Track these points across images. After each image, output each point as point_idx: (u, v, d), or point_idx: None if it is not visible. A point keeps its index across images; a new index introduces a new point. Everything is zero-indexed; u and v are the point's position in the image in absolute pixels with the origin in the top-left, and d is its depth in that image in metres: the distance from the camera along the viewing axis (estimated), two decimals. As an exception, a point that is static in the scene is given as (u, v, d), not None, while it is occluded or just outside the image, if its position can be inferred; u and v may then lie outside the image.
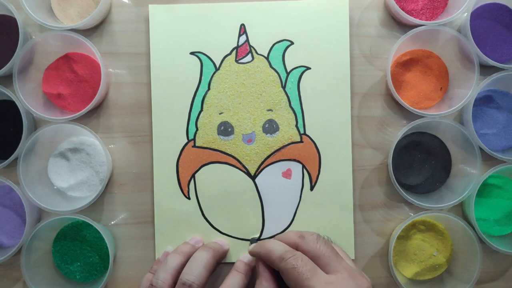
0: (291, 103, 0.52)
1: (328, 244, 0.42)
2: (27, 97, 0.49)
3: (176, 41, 0.52)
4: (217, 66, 0.52)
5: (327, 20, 0.52)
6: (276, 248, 0.42)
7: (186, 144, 0.52)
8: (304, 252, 0.41)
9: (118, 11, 0.53)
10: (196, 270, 0.42)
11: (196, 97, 0.52)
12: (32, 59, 0.52)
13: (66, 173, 0.52)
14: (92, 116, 0.53)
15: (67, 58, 0.52)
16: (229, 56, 0.52)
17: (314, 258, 0.41)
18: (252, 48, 0.52)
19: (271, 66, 0.52)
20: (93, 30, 0.53)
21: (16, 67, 0.48)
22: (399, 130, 0.51)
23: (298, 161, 0.51)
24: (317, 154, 0.52)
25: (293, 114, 0.52)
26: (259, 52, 0.52)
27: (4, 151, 0.51)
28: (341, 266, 0.40)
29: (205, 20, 0.52)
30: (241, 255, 0.49)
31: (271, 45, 0.52)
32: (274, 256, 0.41)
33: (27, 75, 0.51)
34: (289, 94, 0.52)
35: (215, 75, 0.52)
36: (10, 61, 0.48)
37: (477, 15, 0.52)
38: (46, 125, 0.49)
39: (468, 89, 0.49)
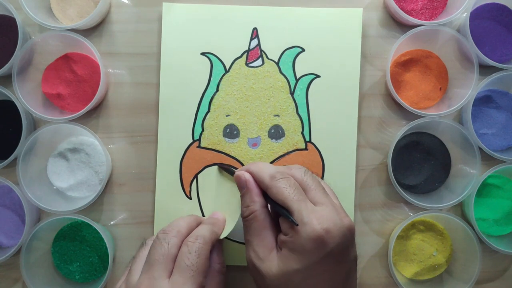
0: (298, 110, 0.52)
1: (314, 178, 0.41)
2: (27, 97, 0.49)
3: (187, 40, 0.52)
4: (227, 68, 0.52)
5: (340, 31, 0.52)
6: (268, 167, 0.42)
7: (191, 144, 0.52)
8: None
9: (117, 11, 0.53)
10: (174, 223, 0.42)
11: (204, 98, 0.52)
12: (31, 59, 0.52)
13: (65, 173, 0.52)
14: (92, 116, 0.53)
15: (66, 58, 0.52)
16: (239, 59, 0.52)
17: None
18: (263, 53, 0.52)
19: (280, 72, 0.52)
20: (93, 30, 0.53)
21: (15, 67, 0.48)
22: (398, 130, 0.51)
23: None
24: (321, 163, 0.51)
25: (299, 121, 0.52)
26: (269, 57, 0.52)
27: (3, 151, 0.51)
28: (327, 200, 0.39)
29: (218, 21, 0.52)
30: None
31: (282, 50, 0.52)
32: (266, 174, 0.41)
33: (26, 75, 0.51)
34: (297, 101, 0.52)
35: (224, 77, 0.52)
36: (10, 61, 0.48)
37: (477, 15, 0.52)
38: (45, 125, 0.49)
39: (467, 89, 0.49)
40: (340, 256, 0.38)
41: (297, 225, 0.37)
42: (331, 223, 0.37)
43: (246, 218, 0.41)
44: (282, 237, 0.39)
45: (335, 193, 0.43)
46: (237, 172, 0.43)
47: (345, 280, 0.39)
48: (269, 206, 0.42)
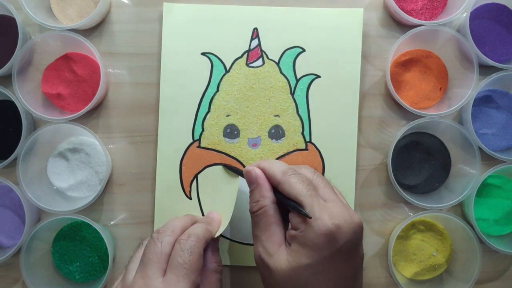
0: (299, 110, 0.52)
1: (323, 178, 0.42)
2: (27, 97, 0.49)
3: (188, 40, 0.52)
4: (227, 68, 0.52)
5: (341, 31, 0.52)
6: (280, 163, 0.42)
7: (191, 144, 0.52)
8: None
9: (117, 11, 0.53)
10: (169, 222, 0.42)
11: (204, 98, 0.52)
12: (31, 59, 0.52)
13: (65, 173, 0.52)
14: (92, 116, 0.53)
15: (66, 58, 0.52)
16: (240, 59, 0.52)
17: None
18: (263, 53, 0.52)
19: (281, 72, 0.52)
20: (93, 30, 0.53)
21: (15, 67, 0.48)
22: (398, 130, 0.51)
23: None
24: (321, 163, 0.51)
25: (299, 121, 0.52)
26: (270, 57, 0.52)
27: (3, 151, 0.51)
28: (336, 198, 0.40)
29: (219, 21, 0.52)
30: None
31: (282, 51, 0.52)
32: (278, 169, 0.41)
33: (26, 75, 0.51)
34: (297, 101, 0.52)
35: (224, 77, 0.52)
36: (10, 61, 0.48)
37: (477, 15, 0.52)
38: (45, 125, 0.49)
39: (467, 89, 0.49)
40: (349, 253, 0.38)
41: (310, 217, 0.37)
42: (342, 219, 0.37)
43: (255, 213, 0.41)
44: (292, 232, 0.39)
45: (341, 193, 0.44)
46: (248, 167, 0.43)
47: (352, 277, 0.39)
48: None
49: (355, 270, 0.39)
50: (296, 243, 0.38)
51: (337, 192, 0.42)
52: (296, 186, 0.39)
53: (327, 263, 0.37)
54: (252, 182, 0.42)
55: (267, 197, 0.41)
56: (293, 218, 0.39)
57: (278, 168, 0.41)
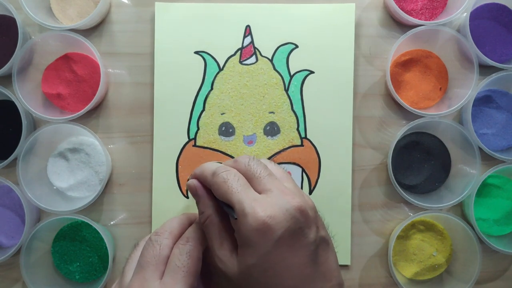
0: (293, 106, 0.52)
1: (260, 164, 0.39)
2: (27, 97, 0.49)
3: (181, 39, 0.52)
4: (221, 66, 0.52)
5: (333, 26, 0.52)
6: (210, 165, 0.40)
7: (186, 143, 0.52)
8: None
9: (117, 11, 0.53)
10: (166, 223, 0.41)
11: (198, 97, 0.52)
12: (31, 59, 0.52)
13: (65, 173, 0.52)
14: (92, 116, 0.53)
15: (66, 58, 0.52)
16: (233, 57, 0.52)
17: (247, 179, 0.38)
18: (256, 50, 0.52)
19: (274, 69, 0.52)
20: (93, 30, 0.53)
21: (15, 67, 0.48)
22: (398, 130, 0.51)
23: (298, 165, 0.51)
24: (317, 159, 0.51)
25: (294, 118, 0.52)
26: (263, 54, 0.52)
27: (3, 151, 0.51)
28: (273, 185, 0.37)
29: (211, 19, 0.52)
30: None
31: (275, 47, 0.52)
32: (208, 173, 0.39)
33: (26, 75, 0.51)
34: (291, 97, 0.52)
35: (218, 75, 0.52)
36: (10, 61, 0.48)
37: (477, 15, 0.52)
38: (45, 125, 0.49)
39: (467, 89, 0.49)
40: (294, 240, 0.35)
41: (236, 218, 0.35)
42: (276, 207, 0.35)
43: (204, 225, 0.39)
44: (235, 234, 0.37)
45: (291, 175, 0.41)
46: (188, 182, 0.41)
47: (309, 263, 0.36)
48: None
49: (310, 255, 0.36)
50: (239, 245, 0.36)
51: (280, 175, 0.40)
52: (222, 186, 0.37)
53: (272, 257, 0.35)
54: (194, 195, 0.40)
55: (208, 205, 0.39)
56: (233, 221, 0.37)
57: (208, 172, 0.39)
